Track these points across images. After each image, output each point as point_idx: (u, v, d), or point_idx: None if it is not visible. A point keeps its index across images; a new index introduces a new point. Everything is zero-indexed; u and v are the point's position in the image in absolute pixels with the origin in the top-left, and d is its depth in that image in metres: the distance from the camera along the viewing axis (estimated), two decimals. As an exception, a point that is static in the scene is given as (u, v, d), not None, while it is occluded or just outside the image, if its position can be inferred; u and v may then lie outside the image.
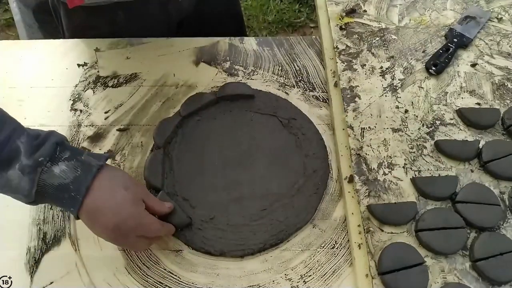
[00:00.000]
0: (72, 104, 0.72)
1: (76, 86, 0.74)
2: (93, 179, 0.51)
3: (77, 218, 0.52)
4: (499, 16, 0.79)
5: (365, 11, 0.80)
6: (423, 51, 0.75)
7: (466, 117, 0.67)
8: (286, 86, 0.74)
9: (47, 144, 0.50)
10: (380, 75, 0.73)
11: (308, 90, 0.74)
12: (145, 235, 0.54)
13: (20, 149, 0.49)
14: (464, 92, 0.71)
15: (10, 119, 0.51)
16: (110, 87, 0.74)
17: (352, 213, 0.61)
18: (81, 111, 0.71)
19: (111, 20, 0.77)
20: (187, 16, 0.86)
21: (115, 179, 0.53)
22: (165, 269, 0.59)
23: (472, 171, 0.64)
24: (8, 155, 0.48)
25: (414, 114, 0.69)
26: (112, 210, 0.51)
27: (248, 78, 0.75)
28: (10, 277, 0.58)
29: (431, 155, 0.65)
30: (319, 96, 0.73)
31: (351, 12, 0.80)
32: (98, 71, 0.75)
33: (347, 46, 0.76)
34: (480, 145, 0.65)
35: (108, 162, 0.66)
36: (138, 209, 0.54)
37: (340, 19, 0.79)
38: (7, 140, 0.48)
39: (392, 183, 0.63)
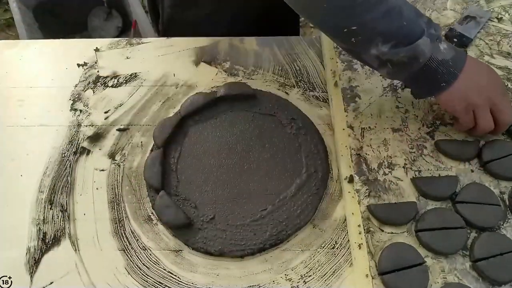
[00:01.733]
0: (72, 104, 0.72)
1: (76, 86, 0.74)
2: (465, 58, 0.59)
3: (437, 93, 0.60)
4: (499, 16, 0.79)
5: (365, 11, 0.80)
6: (423, 51, 0.75)
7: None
8: (286, 86, 0.74)
9: (436, 24, 0.59)
10: (380, 75, 0.72)
11: (308, 90, 0.74)
12: (500, 109, 0.61)
13: (424, 25, 0.57)
14: (464, 92, 0.71)
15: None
16: (110, 87, 0.74)
17: (352, 213, 0.61)
18: (81, 111, 0.71)
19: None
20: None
21: (479, 65, 0.62)
22: (165, 269, 0.59)
23: (472, 171, 0.64)
24: (417, 29, 0.56)
25: (414, 114, 0.69)
26: (485, 71, 0.62)
27: (248, 78, 0.75)
28: (10, 277, 0.58)
29: (431, 155, 0.65)
30: (319, 96, 0.73)
31: (351, 12, 0.80)
32: (98, 71, 0.75)
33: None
34: (480, 145, 0.65)
35: (108, 162, 0.66)
36: (498, 89, 0.62)
37: (340, 19, 0.79)
38: (416, 17, 0.57)
39: (392, 183, 0.63)
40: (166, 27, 0.88)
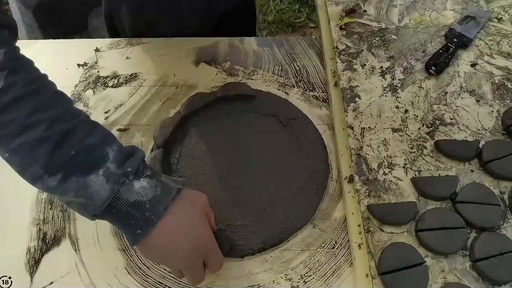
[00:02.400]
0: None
1: (76, 86, 0.74)
2: (172, 200, 0.49)
3: (133, 244, 0.49)
4: (499, 16, 0.79)
5: (365, 11, 0.80)
6: (423, 51, 0.75)
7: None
8: (286, 86, 0.74)
9: (135, 156, 0.48)
10: (380, 75, 0.73)
11: (308, 90, 0.74)
12: (210, 258, 0.53)
13: (108, 156, 0.46)
14: (464, 92, 0.71)
15: (102, 127, 0.50)
16: (110, 87, 0.74)
17: (352, 213, 0.61)
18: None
19: (176, 17, 0.77)
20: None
21: (186, 199, 0.51)
22: (165, 269, 0.59)
23: (472, 171, 0.64)
24: (94, 160, 0.46)
25: (414, 114, 0.69)
26: (186, 231, 0.50)
27: (248, 78, 0.75)
28: (10, 277, 0.58)
29: (431, 155, 0.65)
30: (319, 96, 0.73)
31: (351, 12, 0.80)
32: (98, 71, 0.75)
33: (347, 46, 0.76)
34: (480, 145, 0.65)
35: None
36: (207, 226, 0.52)
37: (340, 19, 0.79)
38: (98, 145, 0.46)
39: (392, 183, 0.63)
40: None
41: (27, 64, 0.48)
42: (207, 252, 0.52)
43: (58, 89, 0.51)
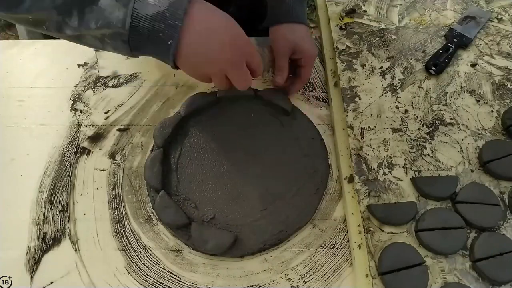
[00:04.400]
0: (72, 104, 0.72)
1: (76, 86, 0.74)
2: (188, 2, 0.49)
3: (173, 58, 0.50)
4: (499, 16, 0.79)
5: (365, 11, 0.80)
6: (423, 51, 0.75)
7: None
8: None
9: None
10: (380, 75, 0.73)
11: (308, 90, 0.74)
12: (253, 58, 0.53)
13: None
14: (464, 92, 0.71)
15: None
16: (110, 87, 0.74)
17: (352, 213, 0.61)
18: (81, 111, 0.71)
19: None
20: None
21: (212, 14, 0.51)
22: (165, 269, 0.59)
23: (472, 171, 0.64)
24: None
25: (414, 114, 0.69)
26: (223, 25, 0.50)
27: (248, 78, 0.75)
28: (10, 277, 0.58)
29: (431, 155, 0.65)
30: (319, 96, 0.73)
31: (351, 12, 0.80)
32: (98, 71, 0.75)
33: (347, 46, 0.76)
34: (480, 145, 0.65)
35: (108, 162, 0.66)
36: (235, 57, 0.52)
37: (340, 19, 0.79)
38: None
39: (392, 183, 0.63)
40: None
41: None
42: (248, 52, 0.53)
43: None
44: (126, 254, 0.60)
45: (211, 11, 0.51)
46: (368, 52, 0.75)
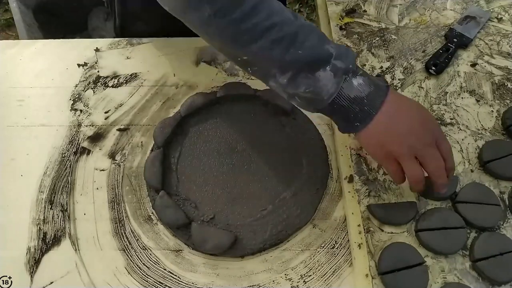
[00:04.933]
0: (72, 104, 0.72)
1: (76, 86, 0.74)
2: (385, 96, 0.52)
3: (351, 132, 0.53)
4: (499, 16, 0.79)
5: (365, 11, 0.80)
6: (423, 51, 0.75)
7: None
8: (286, 86, 0.74)
9: (351, 54, 0.52)
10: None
11: (308, 90, 0.74)
12: (442, 141, 0.54)
13: (331, 53, 0.50)
14: (464, 92, 0.71)
15: (314, 26, 0.53)
16: (110, 87, 0.74)
17: (352, 213, 0.61)
18: (81, 111, 0.71)
19: (162, 17, 0.77)
20: None
21: (402, 101, 0.55)
22: (165, 269, 0.59)
23: (472, 171, 0.64)
24: (319, 57, 0.50)
25: (414, 114, 0.69)
26: (414, 107, 0.54)
27: (248, 78, 0.75)
28: (10, 277, 0.58)
29: (431, 155, 0.65)
30: (319, 96, 0.73)
31: (351, 12, 0.80)
32: (98, 71, 0.75)
33: (347, 46, 0.76)
34: (480, 145, 0.65)
35: (108, 162, 0.66)
36: (426, 137, 0.53)
37: (340, 19, 0.79)
38: (318, 44, 0.51)
39: (392, 183, 0.63)
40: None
41: None
42: (439, 135, 0.54)
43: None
44: (126, 254, 0.60)
45: (404, 97, 0.56)
46: (368, 52, 0.75)
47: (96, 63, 0.76)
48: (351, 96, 0.51)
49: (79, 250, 0.60)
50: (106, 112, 0.71)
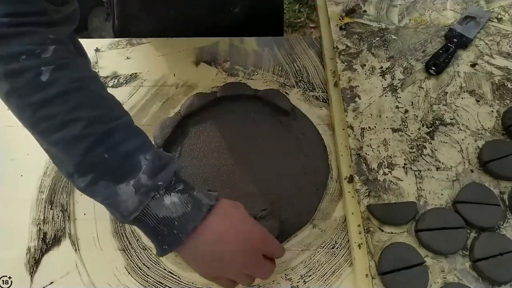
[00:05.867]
0: (72, 104, 0.72)
1: (76, 86, 0.74)
2: (202, 219, 0.47)
3: (161, 255, 0.48)
4: (499, 16, 0.79)
5: (365, 11, 0.80)
6: (423, 51, 0.75)
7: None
8: (286, 86, 0.74)
9: (168, 169, 0.46)
10: (380, 75, 0.73)
11: (308, 90, 0.74)
12: (270, 247, 0.51)
13: (141, 165, 0.45)
14: (464, 92, 0.71)
15: (143, 133, 0.48)
16: (110, 87, 0.74)
17: (352, 213, 0.61)
18: (81, 111, 0.71)
19: (160, 18, 0.78)
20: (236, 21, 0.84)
21: (224, 222, 0.48)
22: (165, 269, 0.59)
23: (472, 171, 0.64)
24: (126, 168, 0.45)
25: (414, 114, 0.69)
26: (230, 237, 0.48)
27: (248, 78, 0.75)
28: (10, 277, 0.58)
29: (431, 155, 0.65)
30: (319, 96, 0.73)
31: (351, 12, 0.80)
32: (98, 71, 0.75)
33: (347, 46, 0.76)
34: (480, 145, 0.65)
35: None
36: (250, 260, 0.49)
37: (340, 19, 0.79)
38: (133, 152, 0.45)
39: (392, 183, 0.63)
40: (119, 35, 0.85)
41: (76, 62, 0.47)
42: (264, 246, 0.50)
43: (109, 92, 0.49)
44: (126, 254, 0.60)
45: (229, 215, 0.49)
46: (368, 52, 0.75)
47: (96, 63, 0.76)
48: (159, 216, 0.45)
49: (79, 250, 0.60)
50: (106, 112, 0.71)
